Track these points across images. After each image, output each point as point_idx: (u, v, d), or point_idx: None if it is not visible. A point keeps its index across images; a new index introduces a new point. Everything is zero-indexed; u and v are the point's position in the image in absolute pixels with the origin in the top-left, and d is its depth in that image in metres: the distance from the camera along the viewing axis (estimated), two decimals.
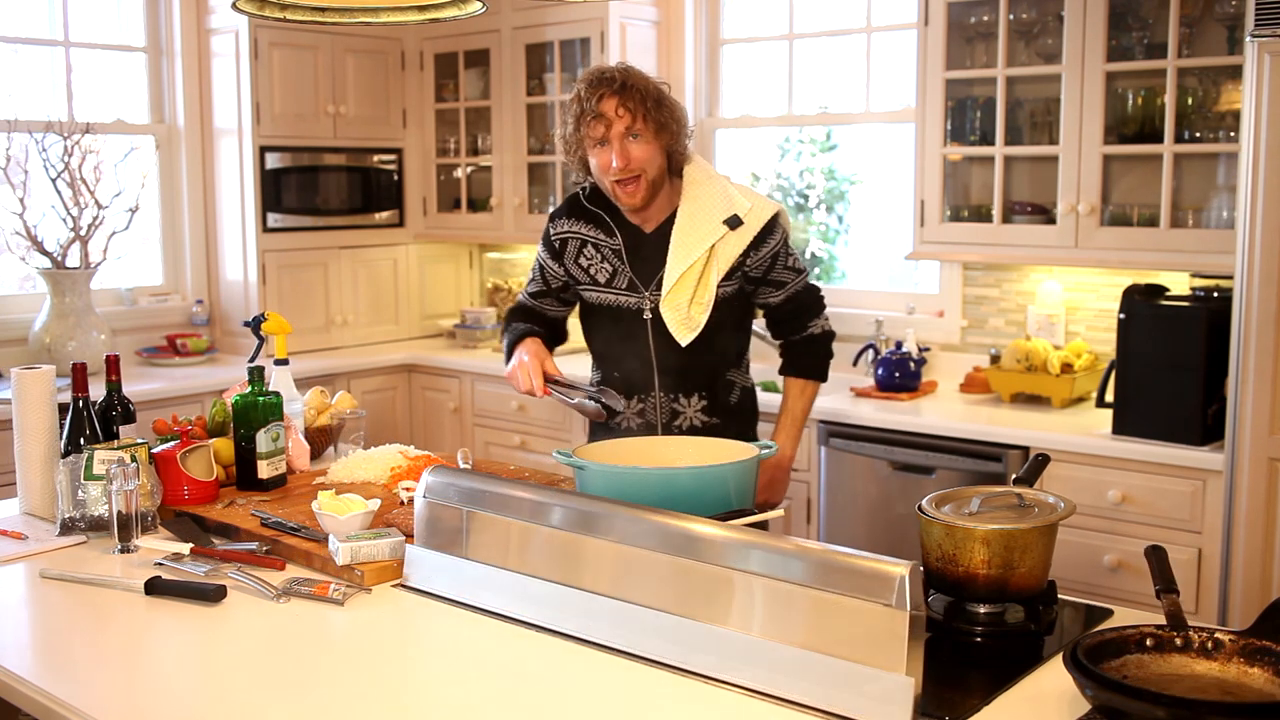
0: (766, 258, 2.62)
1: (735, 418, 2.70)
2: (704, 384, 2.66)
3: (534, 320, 2.80)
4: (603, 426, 2.68)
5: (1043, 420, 3.52)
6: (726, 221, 2.57)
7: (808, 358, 2.76)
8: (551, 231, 2.72)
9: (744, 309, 2.70)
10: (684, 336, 2.58)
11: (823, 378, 2.78)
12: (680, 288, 2.57)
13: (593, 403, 2.51)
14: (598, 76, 2.54)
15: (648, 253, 2.62)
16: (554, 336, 2.84)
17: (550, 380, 2.55)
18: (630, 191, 2.54)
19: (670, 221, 2.61)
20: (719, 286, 2.58)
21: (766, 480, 2.68)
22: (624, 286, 2.64)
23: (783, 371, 2.78)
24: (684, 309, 2.58)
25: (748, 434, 2.72)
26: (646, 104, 2.51)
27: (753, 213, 2.59)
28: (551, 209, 2.86)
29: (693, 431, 2.64)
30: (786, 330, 2.75)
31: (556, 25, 4.70)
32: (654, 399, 2.65)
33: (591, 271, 2.67)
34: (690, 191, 2.61)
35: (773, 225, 2.62)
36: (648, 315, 2.62)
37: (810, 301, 2.74)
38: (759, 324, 2.83)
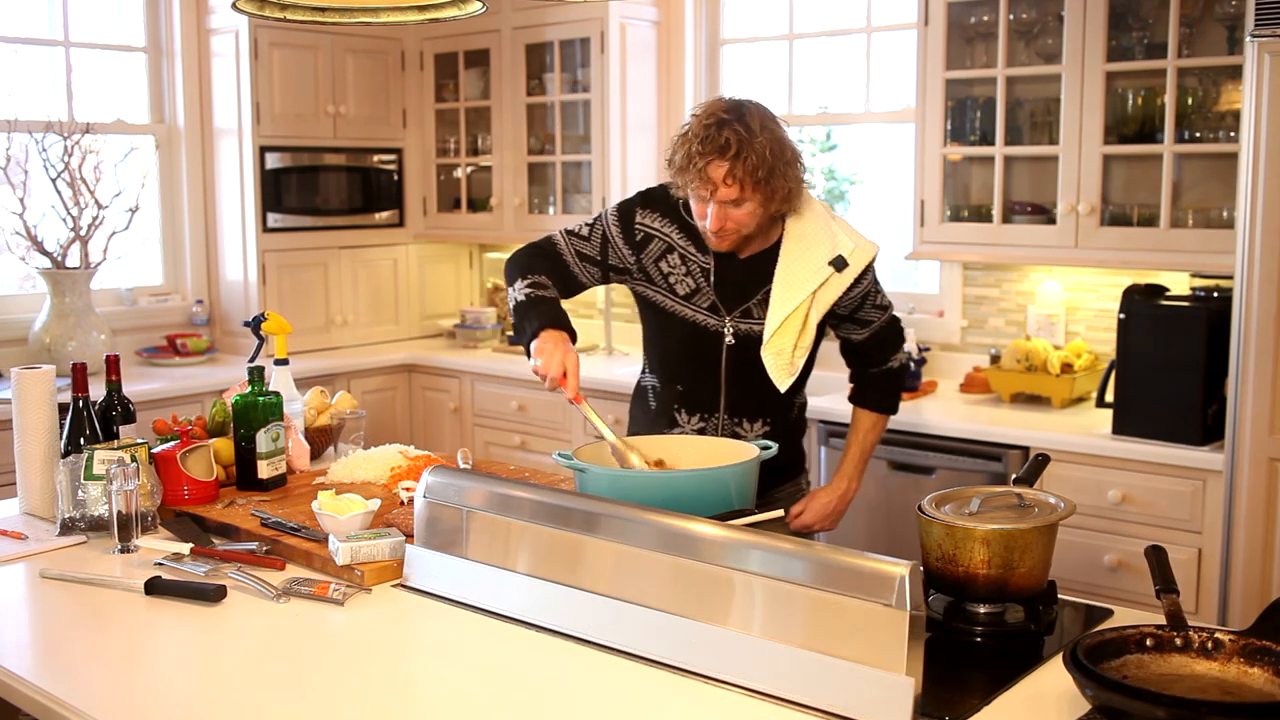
0: (857, 297, 2.52)
1: (793, 437, 2.64)
2: (771, 410, 2.57)
3: (558, 276, 2.55)
4: (644, 431, 2.62)
5: (1043, 420, 3.52)
6: (832, 263, 2.44)
7: (885, 392, 2.68)
8: (638, 218, 2.54)
9: (819, 339, 2.58)
10: (783, 382, 2.47)
11: (895, 411, 2.71)
12: (784, 332, 2.45)
13: (613, 446, 2.32)
14: (713, 132, 2.32)
15: (736, 277, 2.50)
16: (564, 296, 2.62)
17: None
18: (720, 239, 2.42)
19: (767, 251, 2.49)
20: None
21: (831, 510, 2.64)
22: (705, 306, 2.51)
23: (857, 402, 2.69)
24: (787, 354, 2.46)
25: (799, 450, 2.69)
26: (758, 175, 2.32)
27: (856, 254, 2.47)
28: (641, 190, 2.65)
29: None
30: (866, 363, 2.66)
31: (556, 25, 4.70)
32: (718, 419, 2.56)
33: (671, 280, 2.52)
34: (795, 229, 2.48)
35: (871, 263, 2.53)
36: (730, 340, 2.50)
37: (892, 336, 2.65)
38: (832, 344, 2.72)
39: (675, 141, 2.42)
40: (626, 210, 2.58)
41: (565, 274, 2.57)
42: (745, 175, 2.32)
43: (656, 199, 2.57)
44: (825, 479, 3.76)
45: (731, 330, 2.51)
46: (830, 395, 3.88)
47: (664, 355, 2.62)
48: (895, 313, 2.65)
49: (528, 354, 2.40)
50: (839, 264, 2.45)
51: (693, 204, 2.43)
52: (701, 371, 2.54)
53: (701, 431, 2.56)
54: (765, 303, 2.49)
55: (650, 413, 2.63)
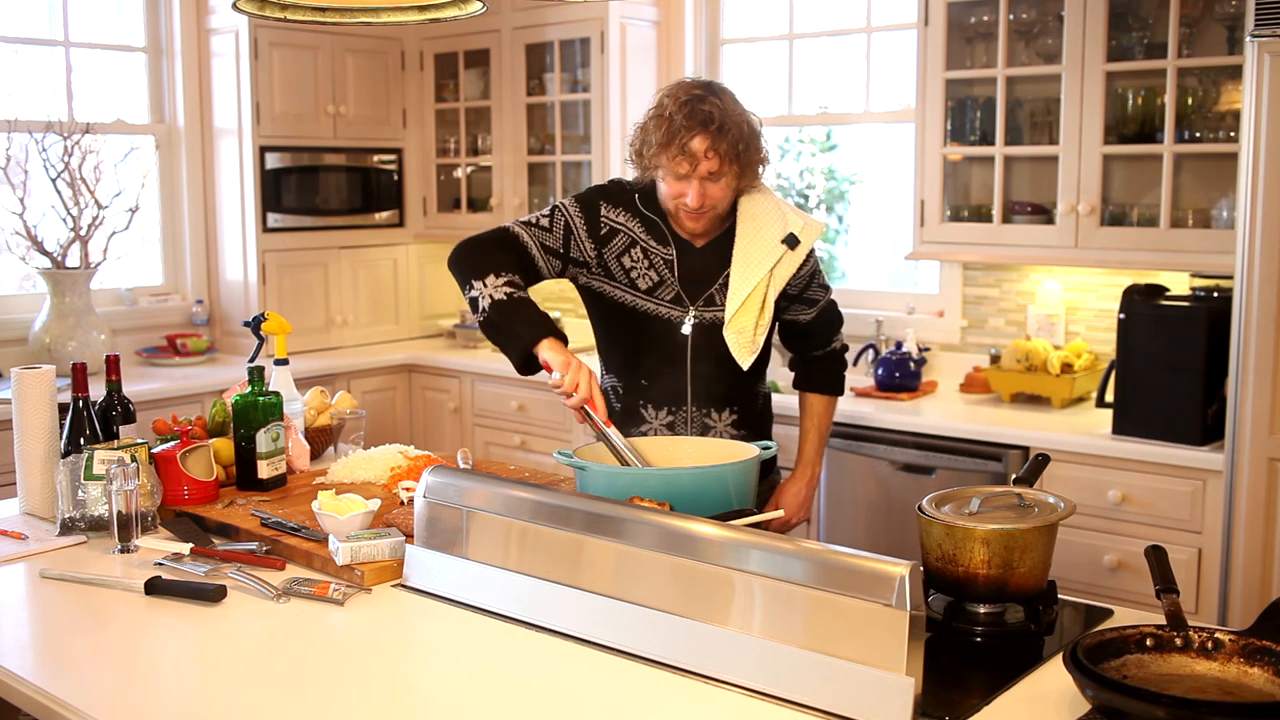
0: (805, 275, 2.57)
1: (759, 426, 2.66)
2: (737, 398, 2.58)
3: (522, 270, 2.47)
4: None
5: (1043, 420, 3.52)
6: (784, 241, 2.49)
7: (832, 374, 2.72)
8: (602, 212, 2.54)
9: (774, 323, 2.62)
10: (746, 360, 2.49)
11: (843, 392, 2.76)
12: (745, 311, 2.48)
13: (619, 450, 2.29)
14: (693, 108, 2.36)
15: (697, 266, 2.52)
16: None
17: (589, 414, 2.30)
18: (694, 219, 2.46)
19: (722, 237, 2.52)
20: None
21: (803, 499, 2.67)
22: (669, 299, 2.52)
23: (804, 387, 2.73)
24: (749, 332, 2.49)
25: (767, 438, 2.69)
26: (738, 148, 2.38)
27: (805, 230, 2.52)
28: (593, 184, 2.61)
29: None
30: (812, 345, 2.70)
31: (556, 25, 4.70)
32: (686, 412, 2.56)
33: (633, 275, 2.53)
34: (748, 209, 2.52)
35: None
36: (688, 330, 2.52)
37: (835, 317, 2.70)
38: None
39: (648, 124, 2.43)
40: (588, 203, 2.56)
41: (529, 267, 2.51)
42: (727, 148, 2.37)
43: (615, 193, 2.57)
44: (826, 478, 3.76)
45: (695, 320, 2.52)
46: None
47: (625, 353, 2.61)
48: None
49: (518, 363, 2.36)
50: (791, 241, 2.50)
51: (667, 186, 2.44)
52: (666, 365, 2.55)
53: (670, 425, 2.56)
54: (725, 288, 2.52)
55: (615, 414, 2.58)
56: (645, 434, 2.56)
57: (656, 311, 2.53)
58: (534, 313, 2.39)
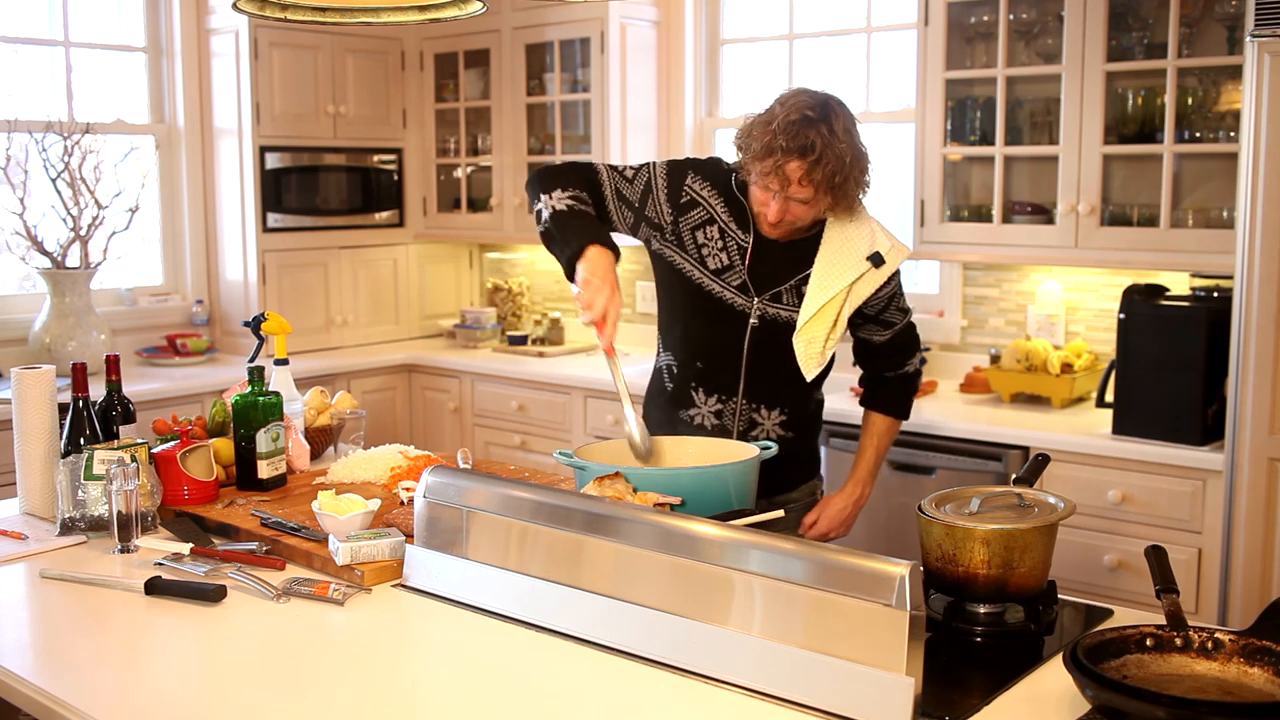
0: (885, 297, 2.52)
1: (809, 431, 2.63)
2: (789, 400, 2.55)
3: (593, 204, 2.46)
4: (659, 415, 2.59)
5: (1043, 420, 3.52)
6: (870, 258, 2.44)
7: (900, 396, 2.66)
8: (688, 180, 2.50)
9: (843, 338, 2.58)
10: (811, 371, 2.46)
11: (908, 416, 2.69)
12: (818, 321, 2.44)
13: (633, 425, 2.28)
14: (798, 130, 2.28)
15: (772, 260, 2.47)
16: None
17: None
18: (773, 227, 2.42)
19: (806, 240, 2.48)
20: None
21: (845, 517, 2.63)
22: (735, 284, 2.47)
23: (871, 405, 2.66)
24: (819, 344, 2.45)
25: (816, 446, 2.67)
26: (834, 181, 2.31)
27: (892, 252, 2.47)
28: (693, 156, 2.56)
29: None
30: (883, 366, 2.65)
31: (556, 25, 4.70)
32: (735, 404, 2.52)
33: (704, 252, 2.47)
34: (839, 220, 2.47)
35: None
36: (754, 321, 2.48)
37: (911, 341, 2.63)
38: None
39: (754, 126, 2.37)
40: (678, 169, 2.53)
41: (601, 206, 2.49)
42: (822, 180, 2.31)
43: (708, 168, 2.54)
44: (826, 478, 3.76)
45: (759, 313, 2.48)
46: (829, 395, 3.87)
47: (685, 331, 2.57)
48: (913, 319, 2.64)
49: (568, 271, 2.32)
50: (876, 260, 2.45)
51: (755, 190, 2.40)
52: (724, 351, 2.50)
53: (719, 414, 2.51)
54: (797, 290, 2.48)
55: (666, 393, 2.57)
56: (693, 419, 2.54)
57: (720, 294, 2.49)
58: (589, 223, 2.36)
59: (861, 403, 2.70)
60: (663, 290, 2.60)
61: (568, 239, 2.33)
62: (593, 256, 2.28)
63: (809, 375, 2.47)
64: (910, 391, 2.68)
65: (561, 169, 2.49)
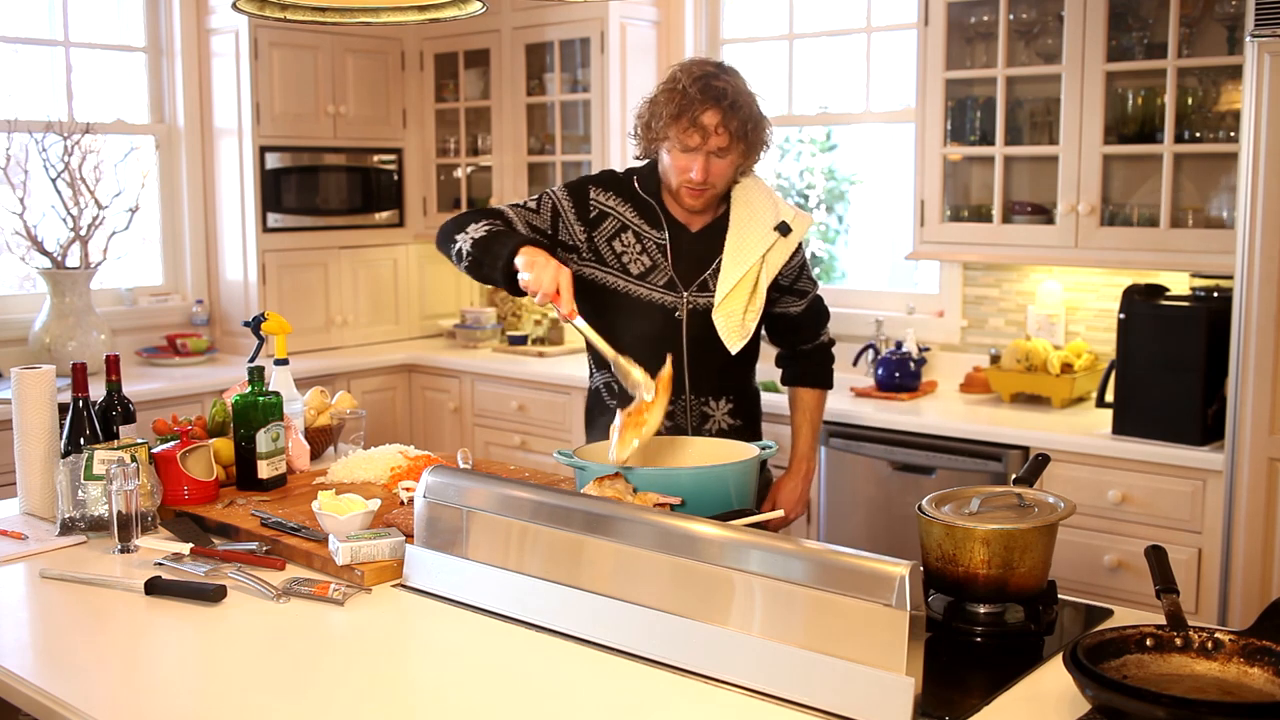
0: (796, 266, 2.61)
1: (753, 417, 2.68)
2: (732, 387, 2.60)
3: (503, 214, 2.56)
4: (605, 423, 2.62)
5: (1043, 420, 3.52)
6: (777, 228, 2.52)
7: (822, 368, 2.75)
8: (591, 195, 2.56)
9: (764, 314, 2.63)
10: (735, 344, 2.50)
11: (831, 385, 2.79)
12: (736, 295, 2.50)
13: (591, 340, 2.30)
14: (707, 83, 2.40)
15: (690, 251, 2.54)
16: None
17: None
18: (695, 196, 2.48)
19: (716, 222, 2.56)
20: None
21: (799, 495, 2.68)
22: (662, 284, 2.53)
23: (795, 382, 2.74)
24: (738, 316, 2.50)
25: (759, 434, 2.70)
26: (746, 127, 2.43)
27: (797, 220, 2.56)
28: (588, 172, 2.75)
29: (720, 434, 2.56)
30: (801, 339, 2.72)
31: (556, 25, 4.70)
32: (685, 401, 2.55)
33: (625, 259, 2.53)
34: (742, 195, 2.56)
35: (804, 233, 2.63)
36: (681, 315, 2.53)
37: (823, 311, 2.73)
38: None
39: (658, 97, 2.47)
40: (577, 187, 2.58)
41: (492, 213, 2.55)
42: (738, 125, 2.41)
43: (605, 179, 2.61)
44: (826, 478, 3.76)
45: (690, 305, 2.54)
46: (830, 395, 3.88)
47: (621, 342, 2.52)
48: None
49: (507, 279, 2.32)
50: (784, 229, 2.54)
51: (673, 160, 2.46)
52: (663, 351, 2.49)
53: (670, 415, 2.48)
54: (718, 274, 2.53)
55: (610, 411, 2.52)
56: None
57: (650, 297, 2.53)
58: (512, 233, 2.41)
59: (785, 381, 2.78)
60: (590, 312, 2.55)
61: (496, 251, 2.35)
62: (526, 250, 2.31)
63: (733, 349, 2.51)
64: (829, 361, 2.76)
65: (465, 214, 2.53)
